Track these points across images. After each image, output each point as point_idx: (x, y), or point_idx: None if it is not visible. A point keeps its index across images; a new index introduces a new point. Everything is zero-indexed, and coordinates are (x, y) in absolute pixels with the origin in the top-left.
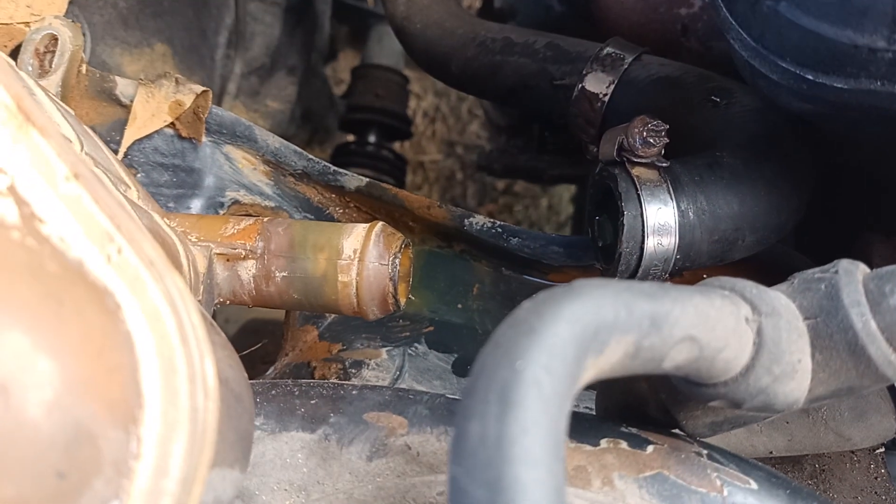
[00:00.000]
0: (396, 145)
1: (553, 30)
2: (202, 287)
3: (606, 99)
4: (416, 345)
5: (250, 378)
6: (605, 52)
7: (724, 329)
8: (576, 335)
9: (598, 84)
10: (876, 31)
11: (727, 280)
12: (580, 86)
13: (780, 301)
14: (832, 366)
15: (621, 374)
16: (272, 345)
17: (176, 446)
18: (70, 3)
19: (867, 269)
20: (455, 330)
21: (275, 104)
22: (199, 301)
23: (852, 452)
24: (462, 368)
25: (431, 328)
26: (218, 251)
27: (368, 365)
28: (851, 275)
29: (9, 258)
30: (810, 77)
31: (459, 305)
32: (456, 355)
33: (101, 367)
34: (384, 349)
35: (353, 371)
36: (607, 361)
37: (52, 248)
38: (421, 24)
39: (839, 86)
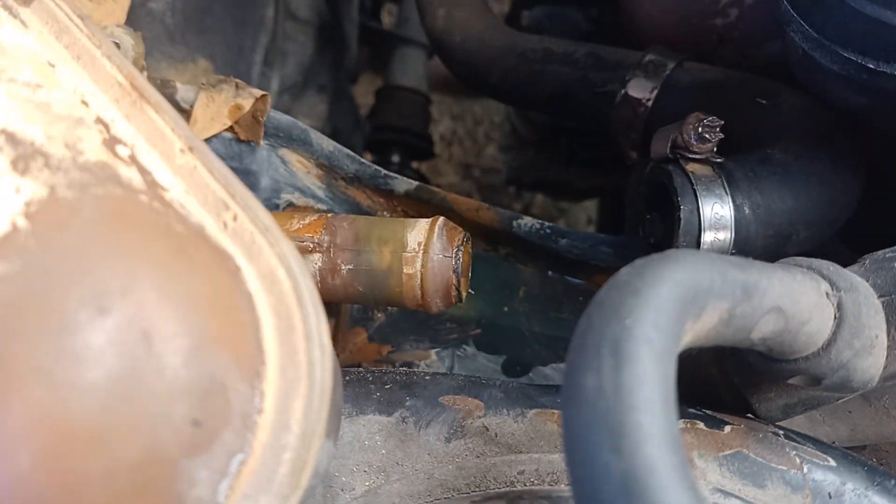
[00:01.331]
0: (417, 164)
1: None
2: None
3: (650, 104)
4: (464, 346)
5: None
6: (646, 59)
7: (808, 302)
8: (678, 297)
9: (641, 90)
10: None
11: (803, 259)
12: (623, 91)
13: (856, 278)
14: None
15: (715, 342)
16: None
17: (296, 403)
18: None
19: None
20: (502, 332)
21: (306, 121)
22: None
23: None
24: (511, 369)
25: (479, 330)
26: None
27: (419, 366)
28: None
29: (141, 217)
30: (872, 66)
31: (506, 308)
32: (504, 356)
33: (230, 322)
34: (433, 350)
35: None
36: (703, 326)
37: (175, 212)
38: (460, 37)
39: None
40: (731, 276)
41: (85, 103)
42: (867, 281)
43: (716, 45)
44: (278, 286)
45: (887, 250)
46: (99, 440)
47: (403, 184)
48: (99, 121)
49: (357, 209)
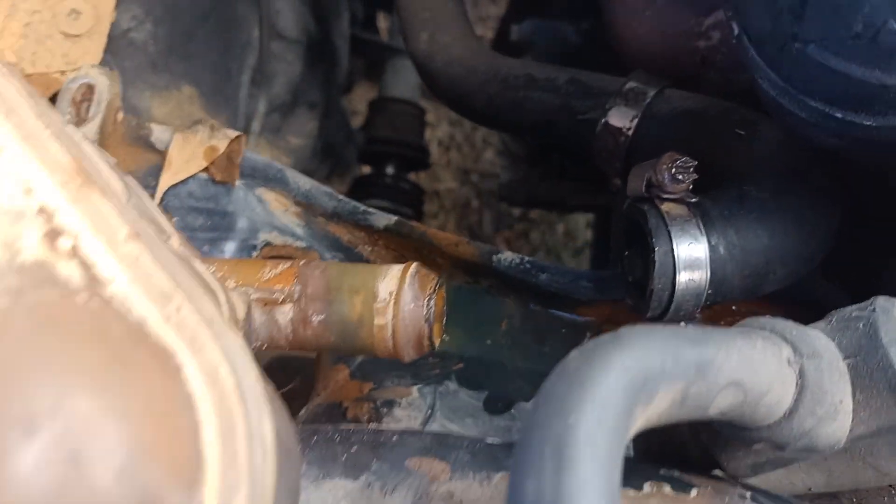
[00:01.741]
0: (412, 174)
1: (569, 61)
2: (241, 334)
3: (630, 133)
4: (446, 382)
5: None
6: (627, 86)
7: (768, 372)
8: (626, 386)
9: (621, 118)
10: None
11: (767, 320)
12: (603, 120)
13: (820, 341)
14: (873, 405)
15: (668, 422)
16: (301, 384)
17: None
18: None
19: None
20: (485, 366)
21: (297, 140)
22: None
23: (891, 487)
24: (493, 405)
25: (461, 364)
26: (256, 296)
27: (400, 404)
28: (889, 313)
29: (75, 323)
30: (839, 115)
31: (488, 341)
32: (487, 392)
33: (166, 429)
34: (415, 387)
35: (385, 410)
36: (655, 410)
37: (114, 310)
38: (443, 62)
39: (868, 123)
40: (684, 355)
41: (29, 191)
42: (834, 340)
43: (699, 68)
44: (221, 384)
45: (854, 308)
46: None
47: (383, 219)
48: (42, 210)
49: (337, 245)
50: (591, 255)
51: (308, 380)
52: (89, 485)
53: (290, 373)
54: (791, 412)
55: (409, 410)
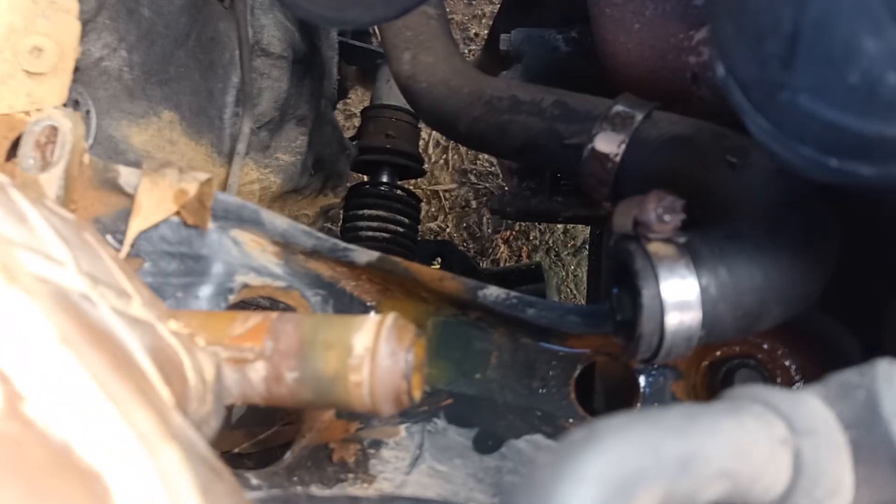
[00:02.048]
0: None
1: (559, 70)
2: (211, 396)
3: (618, 159)
4: (435, 420)
5: (265, 464)
6: (614, 110)
7: (760, 456)
8: (600, 497)
9: (608, 144)
10: None
11: (759, 392)
12: (590, 146)
13: (817, 414)
14: (876, 480)
15: None
16: (286, 425)
17: None
18: (73, 80)
19: None
20: (474, 402)
21: (286, 157)
22: (208, 410)
23: None
24: (483, 444)
25: (450, 401)
26: (226, 355)
27: (387, 444)
28: (891, 381)
29: None
30: (833, 164)
31: (478, 376)
32: (476, 429)
33: None
34: (403, 426)
35: (372, 451)
36: None
37: (35, 431)
38: (426, 83)
39: (864, 172)
40: (665, 450)
41: None
42: (833, 409)
43: (690, 84)
44: None
45: (854, 373)
46: None
47: (364, 255)
48: None
49: (319, 282)
50: (589, 255)
51: (292, 421)
52: None
53: (276, 412)
54: (787, 495)
55: (397, 451)
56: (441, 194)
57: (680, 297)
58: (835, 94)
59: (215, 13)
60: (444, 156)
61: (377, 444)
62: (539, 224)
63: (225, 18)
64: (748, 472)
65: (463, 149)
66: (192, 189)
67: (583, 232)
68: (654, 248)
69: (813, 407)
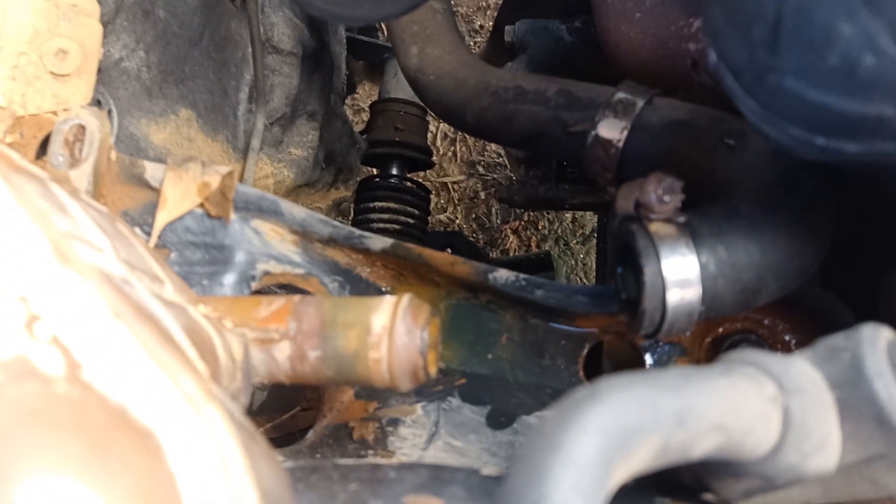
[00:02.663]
0: (417, 174)
1: (564, 60)
2: (240, 374)
3: (621, 145)
4: (449, 398)
5: (286, 444)
6: (616, 97)
7: (751, 412)
8: (603, 446)
9: (611, 130)
10: (884, 101)
11: (751, 355)
12: (594, 132)
13: (805, 375)
14: (861, 435)
15: (651, 470)
16: (306, 408)
17: None
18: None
19: (891, 335)
20: (487, 381)
21: (298, 151)
22: (237, 387)
23: (890, 499)
24: (496, 421)
25: (464, 380)
26: (253, 336)
27: (405, 422)
28: (874, 344)
29: (56, 414)
30: (820, 142)
31: (489, 356)
32: (490, 407)
33: None
34: (419, 405)
35: (391, 429)
36: (636, 462)
37: (95, 395)
38: (434, 75)
39: (850, 149)
40: (662, 405)
41: (5, 279)
42: (820, 371)
43: (690, 69)
44: (202, 461)
45: (840, 337)
46: None
47: (378, 242)
48: (21, 298)
49: (336, 268)
50: (597, 243)
51: (313, 402)
52: None
53: (296, 392)
54: (777, 448)
55: (414, 428)
56: (450, 186)
57: (681, 274)
58: (817, 75)
59: (227, 12)
60: (453, 148)
61: (395, 422)
62: (547, 213)
63: (236, 17)
64: (739, 427)
65: (471, 141)
66: (214, 182)
67: (591, 220)
68: (656, 227)
69: (801, 368)
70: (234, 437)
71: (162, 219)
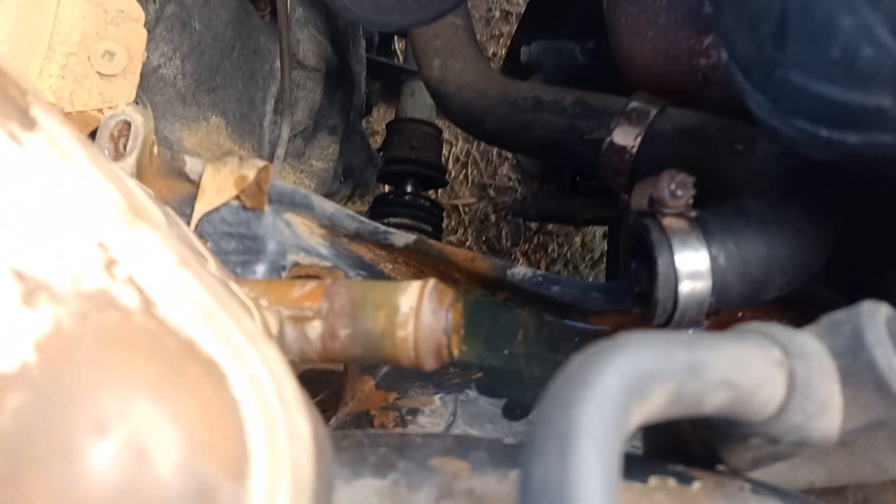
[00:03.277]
0: (432, 192)
1: (577, 80)
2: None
3: (634, 151)
4: (466, 391)
5: None
6: (630, 106)
7: (757, 372)
8: (622, 385)
9: (625, 137)
10: (882, 93)
11: (758, 325)
12: (609, 139)
13: (809, 343)
14: (861, 401)
15: (666, 418)
16: (331, 395)
17: (281, 496)
18: None
19: (889, 311)
20: (503, 375)
21: (319, 163)
22: None
23: (893, 482)
24: (511, 412)
25: (480, 374)
26: (287, 313)
27: (423, 412)
28: (873, 316)
29: (134, 340)
30: (824, 134)
31: (505, 351)
32: (505, 399)
33: (216, 430)
34: (437, 396)
35: (410, 418)
36: (652, 407)
37: (167, 328)
38: (455, 86)
39: (852, 141)
40: (676, 357)
41: (86, 227)
42: (823, 343)
43: (701, 85)
44: (262, 389)
45: (842, 312)
46: None
47: (402, 238)
48: (99, 245)
49: (360, 263)
50: (606, 268)
51: (336, 391)
52: (154, 478)
53: (319, 386)
54: (782, 409)
55: (433, 417)
56: (461, 208)
57: (692, 266)
58: (820, 68)
59: (256, 28)
60: (464, 171)
61: (414, 411)
62: (557, 238)
63: (265, 33)
64: (747, 385)
65: (482, 164)
66: (251, 175)
67: (600, 245)
68: (669, 221)
69: (805, 338)
70: (289, 373)
71: (199, 209)
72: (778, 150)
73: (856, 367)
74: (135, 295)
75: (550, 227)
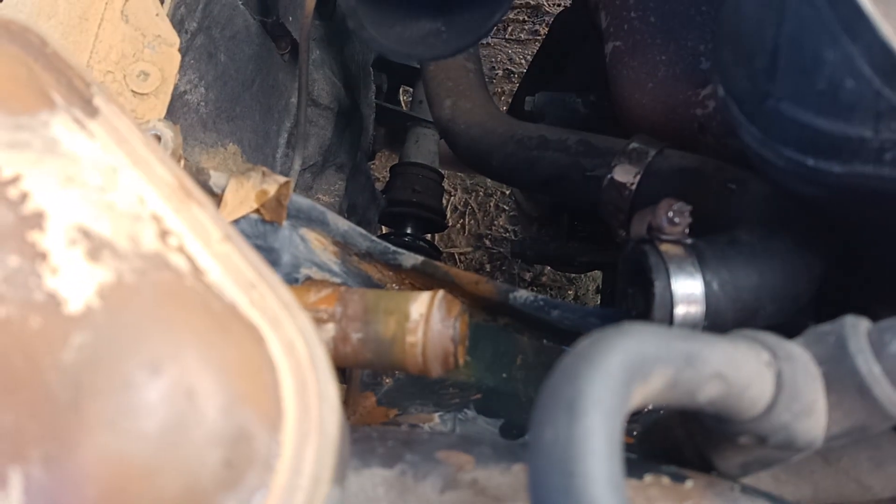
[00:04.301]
0: (430, 235)
1: (578, 129)
2: None
3: (634, 188)
4: (465, 410)
5: None
6: (630, 146)
7: (749, 369)
8: (626, 363)
9: (625, 174)
10: (864, 124)
11: (748, 331)
12: (609, 176)
13: (796, 349)
14: (844, 406)
15: (665, 403)
16: None
17: (308, 451)
18: None
19: (870, 324)
20: (501, 397)
21: (325, 198)
22: None
23: (876, 502)
24: (508, 432)
25: (479, 395)
26: None
27: (423, 428)
28: (856, 327)
29: (186, 297)
30: (811, 163)
31: (504, 375)
32: (503, 420)
33: (256, 383)
34: (437, 414)
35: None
36: (651, 389)
37: (214, 291)
38: (465, 125)
39: (836, 170)
40: (675, 346)
41: (142, 201)
42: (808, 351)
43: (697, 133)
44: (296, 353)
45: (826, 324)
46: (151, 477)
47: (410, 259)
48: (154, 217)
49: (369, 282)
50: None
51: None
52: (200, 416)
53: None
54: (770, 407)
55: None
56: (457, 257)
57: (688, 290)
58: (808, 99)
59: (276, 64)
60: (462, 220)
61: (413, 427)
62: (550, 290)
63: (283, 70)
64: (739, 381)
65: (480, 214)
66: (272, 190)
67: (593, 299)
68: (666, 247)
69: (792, 345)
70: (321, 341)
71: None
72: (769, 190)
73: (839, 372)
74: (185, 261)
75: (545, 279)
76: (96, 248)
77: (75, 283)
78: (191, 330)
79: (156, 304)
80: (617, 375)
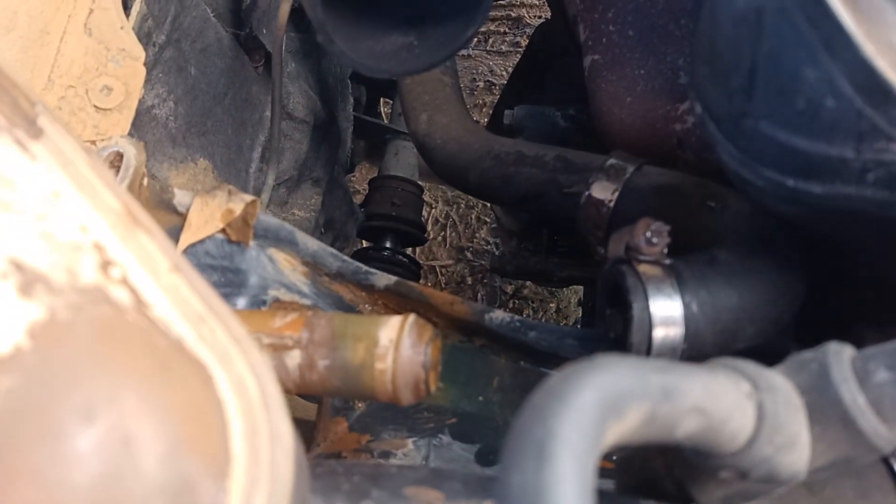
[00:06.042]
0: (410, 250)
1: (558, 143)
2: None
3: (612, 205)
4: (440, 435)
5: None
6: (608, 163)
7: (728, 402)
8: (599, 400)
9: (603, 191)
10: (845, 144)
11: (729, 360)
12: (587, 193)
13: (777, 379)
14: (828, 437)
15: (640, 440)
16: (302, 436)
17: (258, 498)
18: None
19: (853, 351)
20: (477, 421)
21: (301, 213)
22: None
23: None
24: (484, 458)
25: (454, 419)
26: (267, 342)
27: (396, 455)
28: (839, 355)
29: (126, 335)
30: (790, 183)
31: (480, 398)
32: (478, 445)
33: (200, 427)
34: (410, 440)
35: (382, 461)
36: (627, 426)
37: (157, 327)
38: (441, 139)
39: (817, 191)
40: (651, 380)
41: (84, 229)
42: (791, 381)
43: (676, 149)
44: (247, 392)
45: (808, 352)
46: None
47: (383, 279)
48: (96, 246)
49: (340, 303)
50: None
51: (304, 435)
52: (138, 466)
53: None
54: (751, 441)
55: (405, 461)
56: (438, 269)
57: (666, 312)
58: (787, 118)
59: (249, 77)
60: (443, 233)
61: (386, 454)
62: (532, 303)
63: (257, 83)
64: (718, 414)
65: (461, 227)
66: (238, 209)
67: (575, 311)
68: (644, 268)
69: (774, 375)
70: (274, 380)
71: (184, 240)
72: (748, 208)
73: (822, 403)
74: (128, 294)
75: (526, 291)
76: (29, 282)
77: (4, 321)
78: (129, 370)
79: (92, 343)
80: (589, 413)
